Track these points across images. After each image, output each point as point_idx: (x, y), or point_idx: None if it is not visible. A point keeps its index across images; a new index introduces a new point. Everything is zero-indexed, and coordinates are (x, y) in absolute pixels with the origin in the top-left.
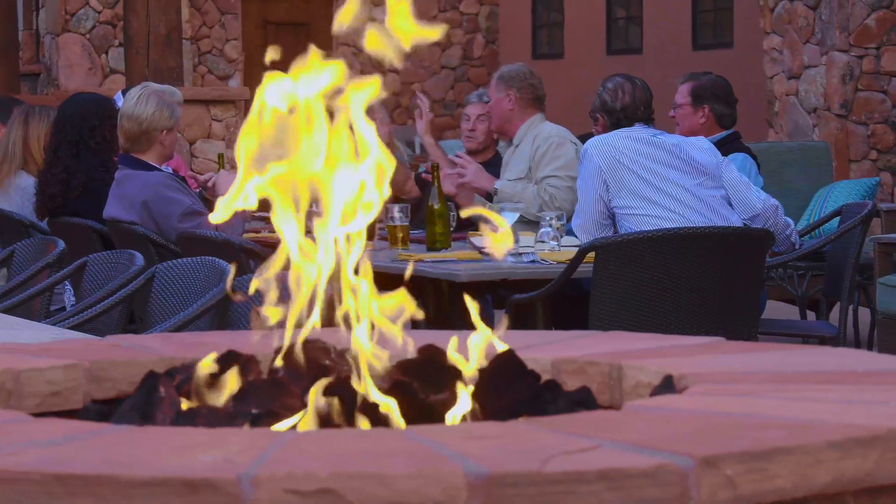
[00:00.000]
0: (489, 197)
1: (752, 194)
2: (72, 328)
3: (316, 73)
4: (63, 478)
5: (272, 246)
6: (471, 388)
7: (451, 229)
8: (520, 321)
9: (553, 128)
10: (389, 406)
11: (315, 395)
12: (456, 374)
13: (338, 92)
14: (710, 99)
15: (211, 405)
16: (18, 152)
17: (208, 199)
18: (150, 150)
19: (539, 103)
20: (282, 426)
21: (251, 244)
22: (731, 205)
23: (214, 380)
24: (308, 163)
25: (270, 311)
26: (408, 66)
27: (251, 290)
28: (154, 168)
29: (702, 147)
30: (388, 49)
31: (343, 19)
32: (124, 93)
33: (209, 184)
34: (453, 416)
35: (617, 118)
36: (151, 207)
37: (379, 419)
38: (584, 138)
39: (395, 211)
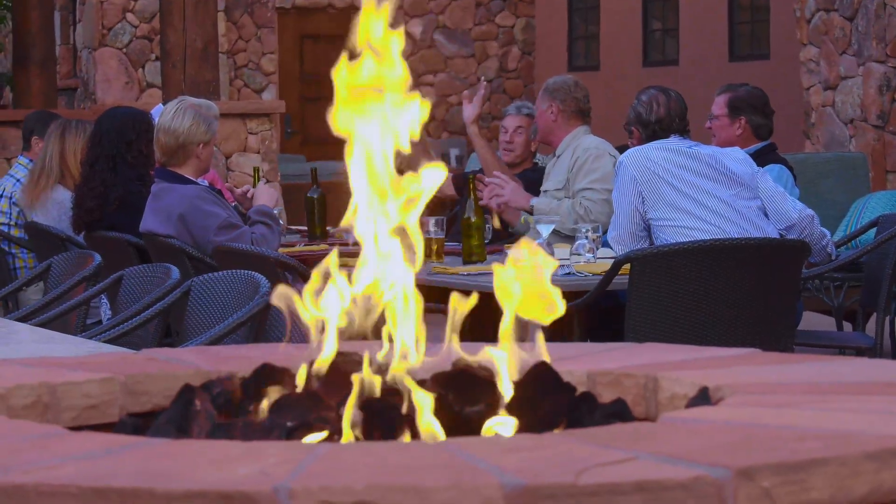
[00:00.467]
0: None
1: (787, 204)
2: (108, 342)
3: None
4: (100, 491)
5: (307, 260)
6: (507, 400)
7: (487, 242)
8: (555, 333)
9: (594, 140)
10: (425, 418)
11: (351, 408)
12: (491, 386)
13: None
14: (746, 110)
15: (247, 418)
16: (55, 167)
17: (243, 213)
18: (186, 163)
19: (582, 116)
20: (317, 439)
21: (287, 258)
22: (766, 216)
23: (250, 393)
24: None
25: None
26: (443, 78)
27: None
28: (190, 181)
29: (737, 157)
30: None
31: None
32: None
33: (248, 195)
34: (492, 427)
35: (652, 130)
36: (188, 220)
37: (415, 432)
38: (620, 150)
39: (431, 224)
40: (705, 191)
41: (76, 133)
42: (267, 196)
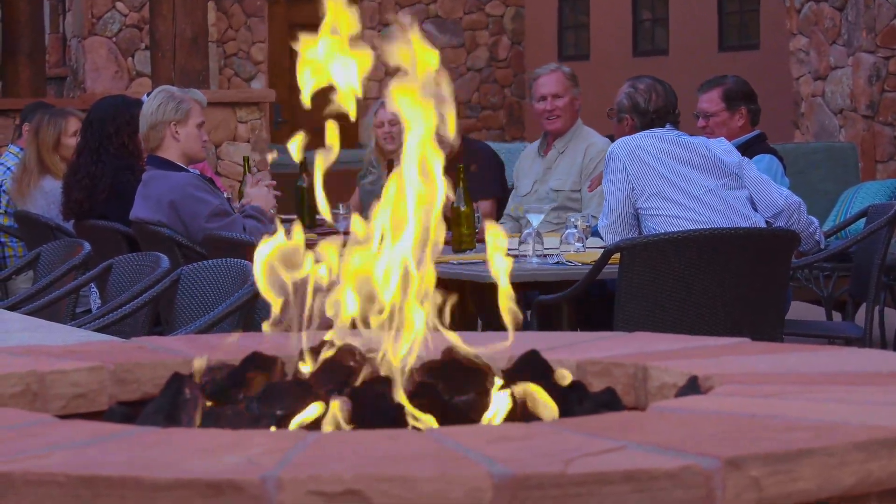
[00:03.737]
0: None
1: (774, 191)
2: (97, 330)
3: None
4: (88, 480)
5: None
6: (497, 389)
7: (477, 231)
8: (545, 322)
9: (602, 140)
10: (414, 408)
11: (339, 397)
12: (480, 375)
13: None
14: (743, 99)
15: (236, 407)
16: (34, 167)
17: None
18: (164, 145)
19: None
20: (306, 427)
21: None
22: (754, 206)
23: (239, 381)
24: None
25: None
26: None
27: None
28: (181, 169)
29: (723, 148)
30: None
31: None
32: None
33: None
34: (490, 416)
35: (650, 119)
36: (179, 207)
37: (403, 421)
38: (609, 139)
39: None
40: (693, 181)
41: (48, 127)
42: (263, 200)
